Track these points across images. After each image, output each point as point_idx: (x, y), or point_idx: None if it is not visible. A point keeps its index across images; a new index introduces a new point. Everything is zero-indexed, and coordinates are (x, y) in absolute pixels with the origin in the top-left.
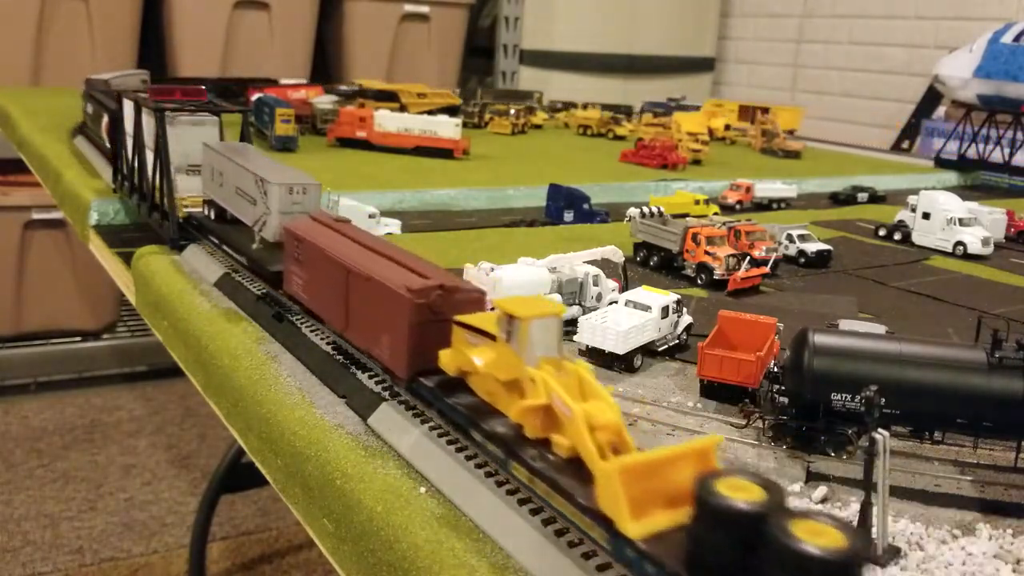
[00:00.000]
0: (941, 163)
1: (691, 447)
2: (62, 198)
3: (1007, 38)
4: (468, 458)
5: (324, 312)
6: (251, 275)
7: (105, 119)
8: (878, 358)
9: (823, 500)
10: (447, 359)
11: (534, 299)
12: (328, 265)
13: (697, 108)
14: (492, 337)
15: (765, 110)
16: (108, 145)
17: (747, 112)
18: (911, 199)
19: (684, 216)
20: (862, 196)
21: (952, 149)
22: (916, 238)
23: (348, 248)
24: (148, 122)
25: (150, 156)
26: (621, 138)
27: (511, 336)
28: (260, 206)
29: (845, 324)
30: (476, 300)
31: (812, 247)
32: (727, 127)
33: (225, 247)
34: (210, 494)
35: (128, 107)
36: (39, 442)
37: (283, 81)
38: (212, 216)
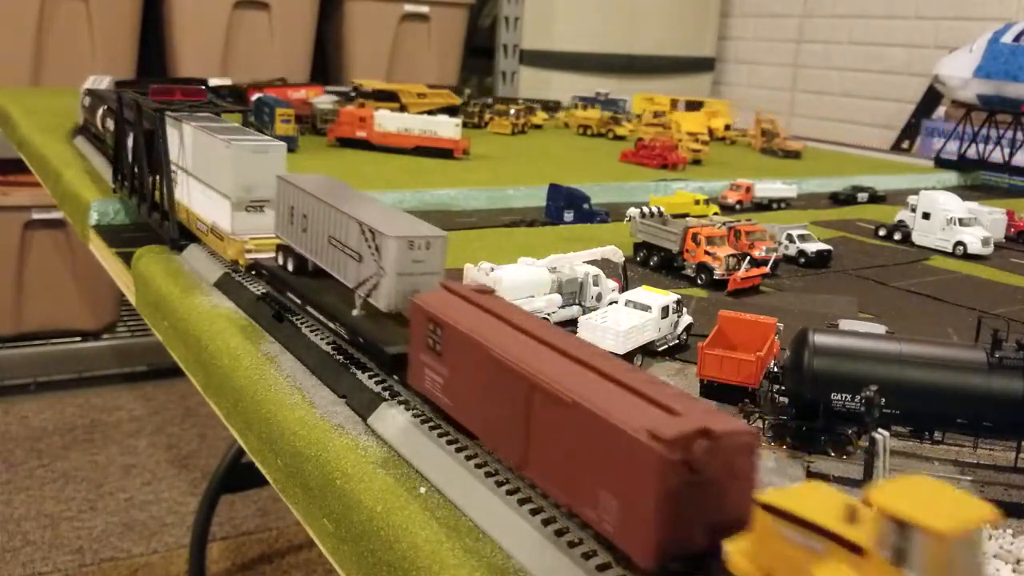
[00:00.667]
0: (941, 163)
1: None
2: (62, 198)
3: (1007, 38)
4: (468, 458)
5: (484, 432)
6: (362, 354)
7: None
8: (878, 358)
9: None
10: (746, 562)
11: (932, 487)
12: (493, 369)
13: (625, 102)
14: (856, 549)
15: (700, 104)
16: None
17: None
18: (911, 199)
19: (684, 216)
20: (862, 196)
21: (952, 149)
22: (916, 238)
23: (522, 345)
24: (187, 137)
25: (187, 176)
26: (621, 138)
27: (904, 557)
28: (368, 265)
29: (845, 324)
30: (747, 446)
31: (812, 247)
32: (727, 127)
33: (311, 309)
34: (210, 494)
35: (169, 124)
36: (39, 442)
37: (213, 82)
38: (289, 266)
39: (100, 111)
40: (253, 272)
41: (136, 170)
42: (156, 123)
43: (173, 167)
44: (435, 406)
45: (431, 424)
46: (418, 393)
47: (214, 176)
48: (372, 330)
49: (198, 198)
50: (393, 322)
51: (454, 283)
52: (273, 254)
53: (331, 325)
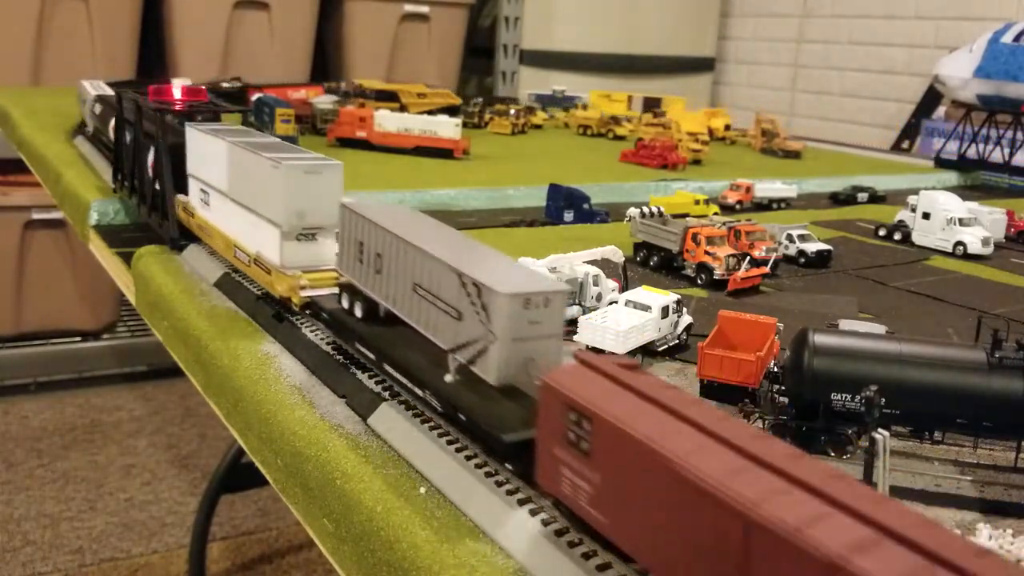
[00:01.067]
0: (941, 163)
1: None
2: (62, 198)
3: (1007, 38)
4: (468, 458)
5: (665, 570)
6: (462, 433)
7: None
8: (878, 358)
9: None
10: None
11: None
12: (683, 492)
13: (582, 99)
14: None
15: (657, 101)
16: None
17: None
18: (911, 199)
19: (684, 216)
20: (862, 196)
21: (952, 149)
22: (916, 238)
23: (718, 458)
24: (221, 153)
25: (217, 192)
26: (621, 138)
27: None
28: (471, 325)
29: (845, 324)
30: None
31: (812, 247)
32: (727, 127)
33: (389, 369)
34: (210, 494)
35: (195, 135)
36: (39, 442)
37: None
38: (357, 311)
39: (113, 120)
40: (308, 312)
41: (136, 170)
42: (156, 125)
43: (203, 186)
44: (573, 513)
45: (431, 424)
46: (552, 495)
47: (258, 199)
48: (478, 407)
49: (237, 223)
50: (498, 393)
51: (588, 354)
52: (331, 290)
53: (418, 392)
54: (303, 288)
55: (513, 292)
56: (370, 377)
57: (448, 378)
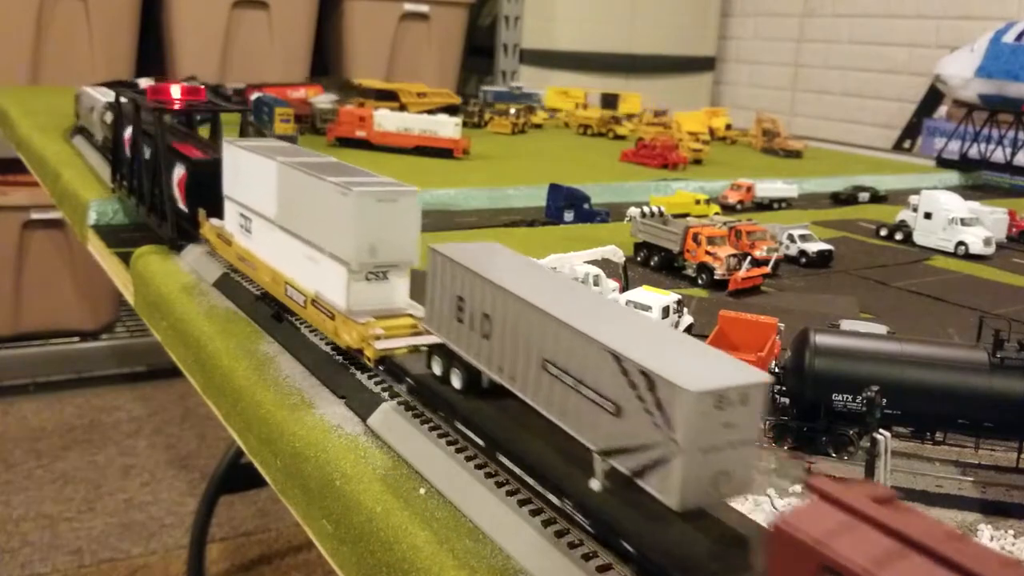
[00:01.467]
0: (943, 163)
1: None
2: (61, 198)
3: (1008, 37)
4: (468, 459)
5: None
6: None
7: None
8: (879, 358)
9: None
10: None
11: None
12: None
13: (539, 95)
14: None
15: (615, 97)
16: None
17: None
18: (912, 199)
19: (684, 216)
20: (863, 196)
21: (954, 149)
22: (917, 238)
23: None
24: (268, 174)
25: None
26: (621, 138)
27: None
28: (635, 425)
29: (846, 324)
30: None
31: (813, 247)
32: (728, 127)
33: (507, 462)
34: (209, 495)
35: (234, 152)
36: (38, 442)
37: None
38: (455, 382)
39: (128, 130)
40: (382, 367)
41: (135, 169)
42: (155, 123)
43: (243, 211)
44: None
45: (431, 425)
46: None
47: (317, 230)
48: (648, 534)
49: (289, 257)
50: (670, 512)
51: (829, 484)
52: (406, 341)
53: (552, 499)
54: (378, 338)
55: (703, 389)
56: (370, 378)
57: (595, 485)
